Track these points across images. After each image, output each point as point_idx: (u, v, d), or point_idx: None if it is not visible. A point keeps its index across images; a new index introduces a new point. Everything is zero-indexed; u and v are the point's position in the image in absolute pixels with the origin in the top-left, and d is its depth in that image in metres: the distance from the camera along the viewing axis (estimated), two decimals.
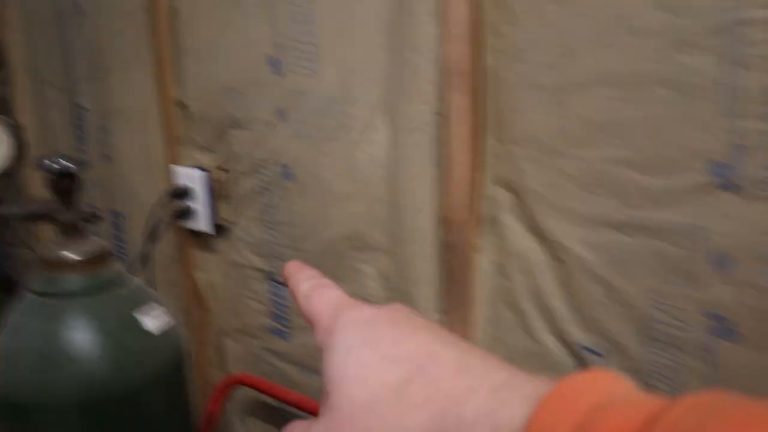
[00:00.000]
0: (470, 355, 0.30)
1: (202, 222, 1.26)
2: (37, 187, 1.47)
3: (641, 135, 0.76)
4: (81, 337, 0.79)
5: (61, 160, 0.82)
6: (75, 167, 0.83)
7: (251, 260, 1.23)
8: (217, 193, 1.24)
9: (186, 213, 1.26)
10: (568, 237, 0.84)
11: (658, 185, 0.76)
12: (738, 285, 0.73)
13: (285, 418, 1.29)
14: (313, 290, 0.36)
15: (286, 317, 1.21)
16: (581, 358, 0.87)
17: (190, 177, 1.25)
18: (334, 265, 1.10)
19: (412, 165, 0.96)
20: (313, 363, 1.20)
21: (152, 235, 1.22)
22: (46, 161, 0.82)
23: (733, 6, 0.67)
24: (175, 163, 1.28)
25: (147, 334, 0.83)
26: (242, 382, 1.23)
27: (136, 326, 0.83)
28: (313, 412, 1.14)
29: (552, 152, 0.83)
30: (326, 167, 1.06)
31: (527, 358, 0.92)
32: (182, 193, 1.24)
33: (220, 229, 1.26)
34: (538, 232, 0.88)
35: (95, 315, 0.80)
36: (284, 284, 1.10)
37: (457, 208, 0.92)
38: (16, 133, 0.86)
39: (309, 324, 0.36)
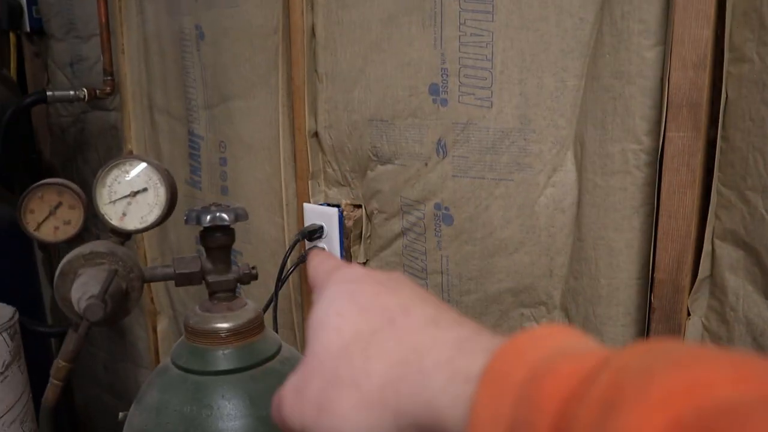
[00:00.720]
0: (445, 313, 0.31)
1: None
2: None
3: None
4: (234, 424, 0.66)
5: (215, 212, 0.70)
6: (229, 220, 0.70)
7: None
8: (349, 233, 1.11)
9: None
10: None
11: None
12: None
13: None
14: (317, 256, 0.38)
15: None
16: None
17: (320, 214, 1.13)
18: (494, 321, 0.96)
19: (610, 213, 0.81)
20: None
21: (283, 279, 1.09)
22: (196, 213, 0.70)
23: None
24: (305, 199, 1.16)
25: None
26: None
27: None
28: None
29: None
30: (494, 211, 0.92)
31: None
32: (314, 232, 1.12)
33: None
34: None
35: (249, 395, 0.67)
36: None
37: (671, 267, 0.77)
38: (170, 179, 0.74)
39: (310, 289, 0.37)
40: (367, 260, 1.12)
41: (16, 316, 1.12)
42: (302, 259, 1.13)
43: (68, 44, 1.72)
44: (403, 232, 1.05)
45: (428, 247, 1.01)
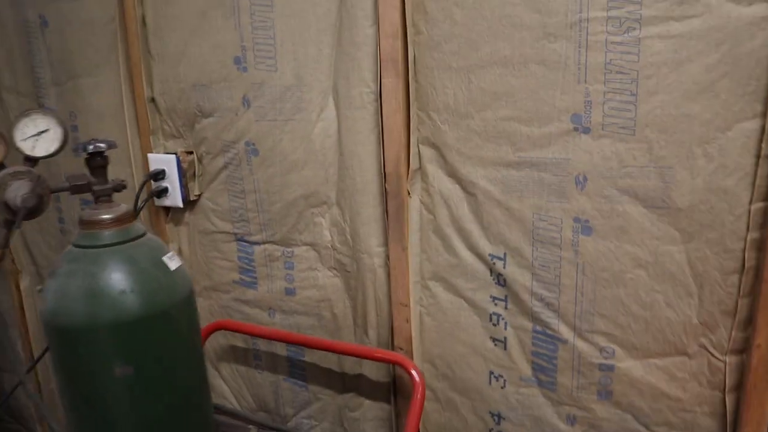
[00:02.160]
0: None
1: (174, 199, 1.49)
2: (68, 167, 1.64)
3: (524, 99, 1.10)
4: (121, 276, 1.02)
5: (95, 142, 1.05)
6: (105, 147, 1.06)
7: (220, 226, 1.49)
8: (185, 173, 1.48)
9: (162, 192, 1.49)
10: (476, 176, 1.17)
11: (537, 133, 1.10)
12: (592, 196, 1.08)
13: (256, 357, 1.55)
14: None
15: (253, 270, 1.47)
16: (490, 265, 1.20)
17: (162, 161, 1.49)
18: (295, 222, 1.38)
19: (358, 134, 1.26)
20: (277, 304, 1.47)
21: (139, 209, 1.44)
22: (83, 144, 1.05)
23: (579, 9, 1.02)
24: (148, 151, 1.51)
25: (170, 271, 1.07)
26: (224, 327, 1.48)
27: (163, 265, 1.06)
28: (285, 340, 1.41)
29: (462, 116, 1.16)
30: (286, 142, 1.34)
31: (451, 270, 1.24)
32: (158, 174, 1.48)
33: (190, 203, 1.51)
34: (454, 175, 1.20)
35: (130, 259, 1.03)
36: (251, 242, 1.37)
37: (394, 162, 1.23)
38: (63, 123, 1.08)
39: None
40: (201, 193, 1.50)
41: None
42: (153, 194, 1.49)
43: None
44: (225, 166, 1.44)
45: (244, 174, 1.41)
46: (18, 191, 0.98)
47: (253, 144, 1.38)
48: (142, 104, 1.50)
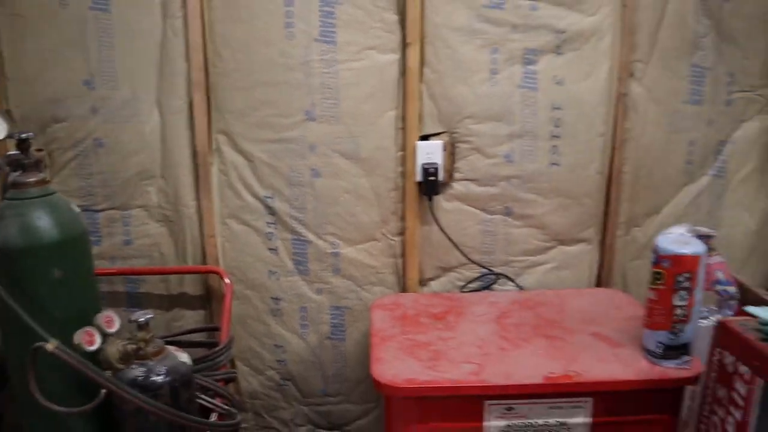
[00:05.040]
0: None
1: None
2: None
3: (280, 104, 1.96)
4: (50, 214, 1.63)
5: (24, 133, 1.67)
6: (33, 135, 1.68)
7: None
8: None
9: None
10: (253, 150, 2.00)
11: (287, 122, 1.97)
12: (320, 155, 1.97)
13: (102, 297, 2.16)
14: None
15: (98, 231, 2.10)
16: (265, 202, 2.02)
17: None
18: (131, 192, 2.07)
19: (176, 129, 2.01)
20: (117, 254, 2.11)
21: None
22: (17, 133, 1.66)
23: (305, 54, 1.91)
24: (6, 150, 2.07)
25: (75, 212, 1.69)
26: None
27: (71, 209, 1.69)
28: (124, 273, 2.06)
29: (244, 114, 1.98)
30: (125, 137, 2.03)
31: (241, 210, 2.04)
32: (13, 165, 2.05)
33: None
34: (240, 150, 2.01)
35: (52, 204, 1.65)
36: (96, 210, 2.03)
37: (201, 146, 2.00)
38: (9, 116, 1.67)
39: None
40: (50, 179, 2.10)
41: None
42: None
43: None
44: (74, 157, 2.07)
45: (92, 161, 2.07)
46: None
47: (100, 139, 2.04)
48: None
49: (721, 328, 1.42)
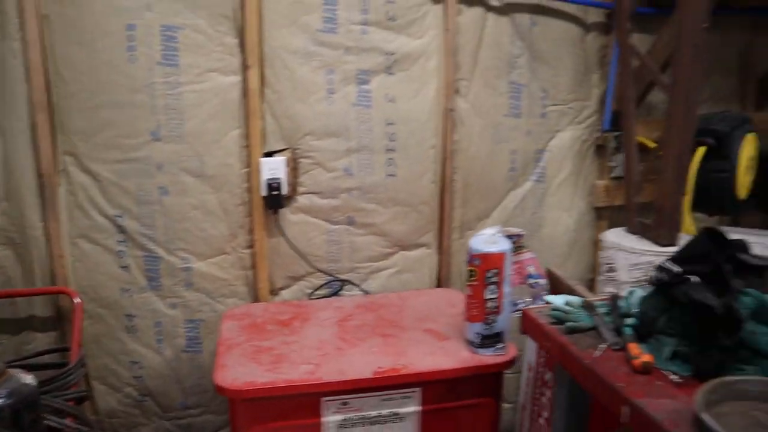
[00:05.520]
0: None
1: None
2: None
3: (125, 125, 2.00)
4: None
5: None
6: None
7: None
8: None
9: None
10: (101, 170, 2.03)
11: (134, 143, 2.02)
12: (167, 174, 2.03)
13: None
14: None
15: None
16: (114, 221, 2.06)
17: None
18: None
19: (19, 151, 2.01)
20: None
21: None
22: None
23: (150, 76, 1.98)
24: None
25: None
26: None
27: None
28: None
29: (90, 135, 2.01)
30: None
31: (90, 229, 2.06)
32: None
33: None
34: (86, 171, 2.04)
35: None
36: None
37: (47, 167, 2.01)
38: None
39: None
40: None
41: None
42: None
43: None
44: None
45: None
46: None
47: None
48: None
49: (524, 317, 1.60)
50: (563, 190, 2.34)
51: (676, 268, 1.30)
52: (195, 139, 2.03)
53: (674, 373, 1.25)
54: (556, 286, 1.99)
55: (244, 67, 2.01)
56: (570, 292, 1.92)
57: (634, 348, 1.31)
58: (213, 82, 2.01)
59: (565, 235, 2.36)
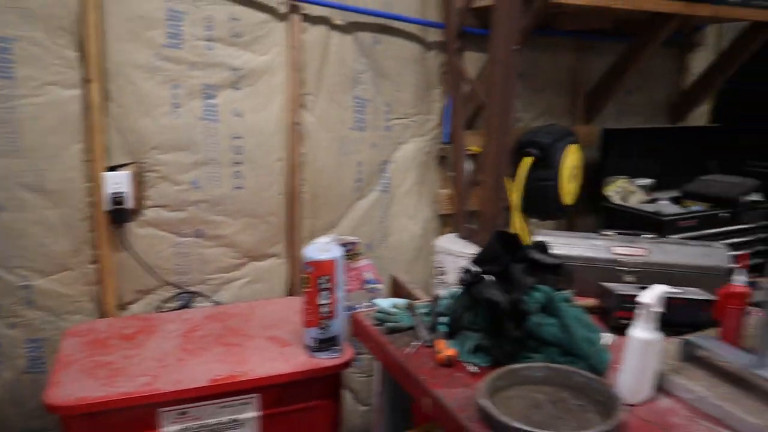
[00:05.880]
0: None
1: None
2: None
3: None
4: None
5: None
6: None
7: None
8: None
9: None
10: None
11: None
12: (4, 190, 1.98)
13: None
14: None
15: None
16: None
17: None
18: None
19: None
20: None
21: None
22: None
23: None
24: None
25: None
26: None
27: None
28: None
29: None
30: None
31: None
32: None
33: None
34: None
35: None
36: None
37: None
38: None
39: None
40: None
41: None
42: None
43: None
44: None
45: None
46: None
47: None
48: None
49: (352, 320, 1.69)
50: (408, 199, 2.46)
51: (475, 269, 1.42)
52: (33, 154, 1.99)
53: (475, 365, 1.37)
54: (398, 290, 2.10)
55: (85, 81, 2.00)
56: (409, 295, 2.03)
57: (441, 343, 1.42)
58: (52, 96, 1.98)
59: (411, 242, 2.49)
